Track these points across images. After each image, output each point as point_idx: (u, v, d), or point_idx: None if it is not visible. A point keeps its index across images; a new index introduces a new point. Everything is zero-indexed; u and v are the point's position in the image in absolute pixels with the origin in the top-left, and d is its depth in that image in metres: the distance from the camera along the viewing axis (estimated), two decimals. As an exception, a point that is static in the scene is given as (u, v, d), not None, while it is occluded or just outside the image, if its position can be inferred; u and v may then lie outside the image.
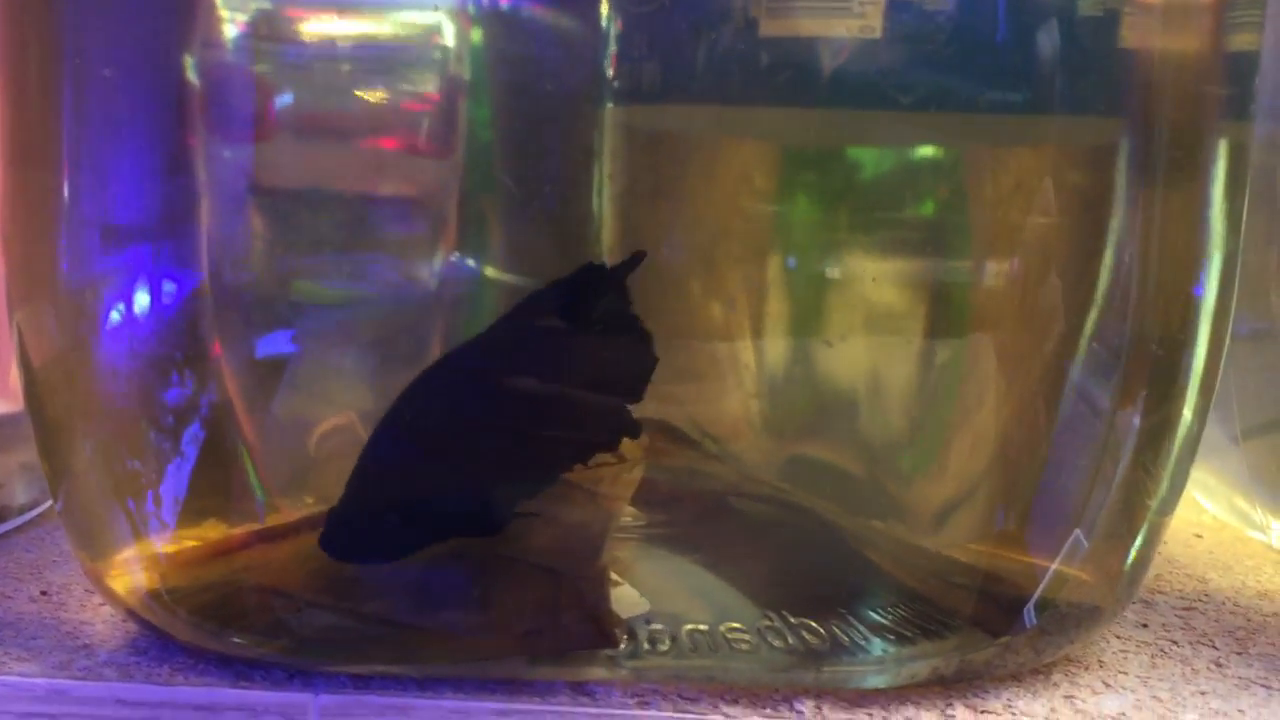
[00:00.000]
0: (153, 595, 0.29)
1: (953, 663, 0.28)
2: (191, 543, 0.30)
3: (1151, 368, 0.29)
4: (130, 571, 0.30)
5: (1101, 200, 0.29)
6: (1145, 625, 0.33)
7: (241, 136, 0.30)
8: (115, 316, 0.29)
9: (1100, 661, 0.30)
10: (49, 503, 0.39)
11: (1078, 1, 0.27)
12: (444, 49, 0.30)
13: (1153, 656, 0.31)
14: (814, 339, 0.31)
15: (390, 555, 0.28)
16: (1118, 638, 0.32)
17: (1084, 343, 0.28)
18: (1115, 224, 0.28)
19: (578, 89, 0.30)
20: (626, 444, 0.31)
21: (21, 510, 0.38)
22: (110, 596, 0.30)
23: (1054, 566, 0.29)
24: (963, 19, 0.27)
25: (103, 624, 0.30)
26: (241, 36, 0.29)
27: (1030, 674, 0.29)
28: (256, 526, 0.31)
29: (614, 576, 0.29)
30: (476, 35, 0.30)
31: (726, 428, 0.32)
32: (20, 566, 0.34)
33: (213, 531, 0.31)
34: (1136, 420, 0.29)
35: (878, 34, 0.27)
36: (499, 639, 0.28)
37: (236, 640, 0.28)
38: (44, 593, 0.32)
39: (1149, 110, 0.28)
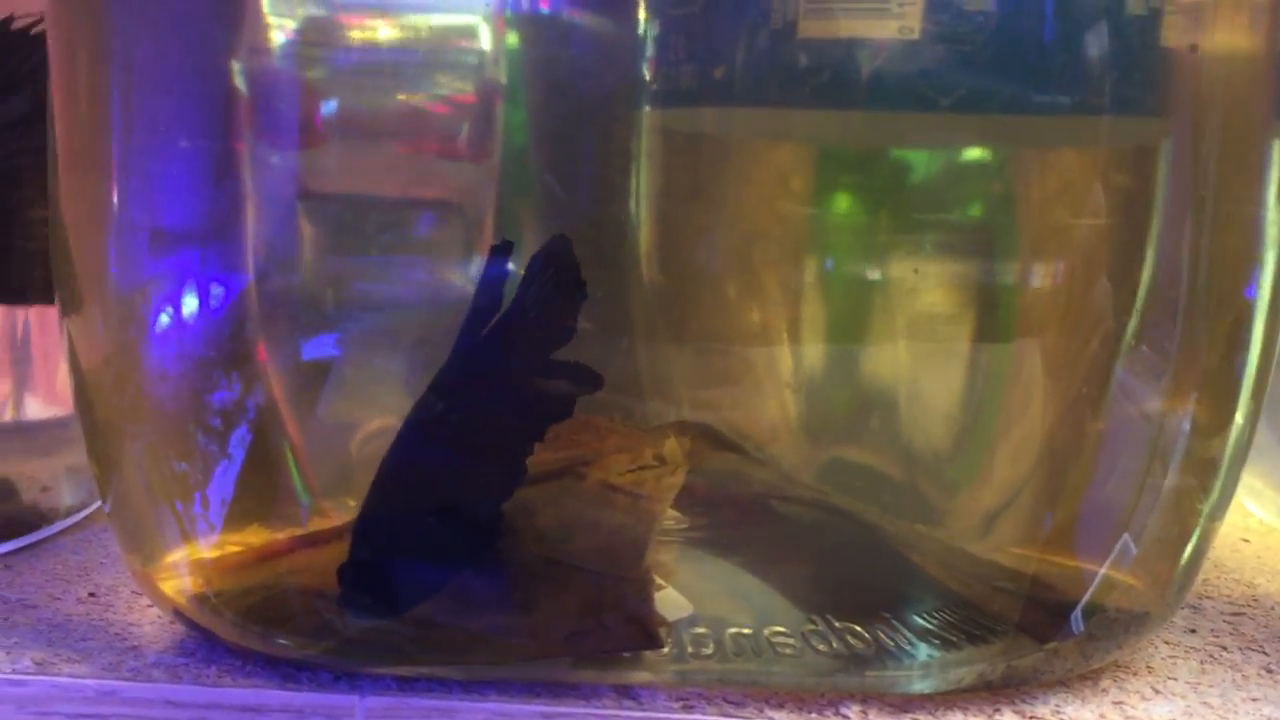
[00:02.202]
0: (199, 597, 0.30)
1: (999, 668, 0.28)
2: (236, 547, 0.31)
3: (1202, 371, 0.29)
4: (178, 574, 0.30)
5: (1150, 202, 0.28)
6: (1194, 631, 0.32)
7: (286, 142, 0.30)
8: (163, 320, 0.29)
9: (1149, 667, 0.30)
10: (96, 505, 0.40)
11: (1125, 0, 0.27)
12: (482, 53, 0.30)
13: (1202, 662, 0.30)
14: (854, 343, 0.31)
15: (415, 599, 0.28)
16: (1166, 643, 0.31)
17: (1133, 346, 0.28)
18: (1165, 226, 0.28)
19: (615, 92, 0.30)
20: (669, 448, 0.31)
21: (69, 512, 0.38)
22: (158, 598, 0.30)
23: (1102, 572, 0.28)
24: (1004, 18, 0.27)
25: (150, 625, 0.31)
26: (288, 43, 0.29)
27: (1079, 680, 0.29)
28: (301, 531, 0.31)
29: (657, 580, 0.29)
30: (514, 39, 0.30)
31: (767, 432, 0.32)
32: (68, 568, 0.35)
33: (256, 536, 0.31)
34: (1186, 424, 0.28)
35: (916, 35, 0.27)
36: (543, 641, 0.28)
37: (282, 642, 0.28)
38: (92, 594, 0.33)
39: (1200, 110, 0.28)
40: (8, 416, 0.40)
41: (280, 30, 0.29)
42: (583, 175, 0.31)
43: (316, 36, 0.30)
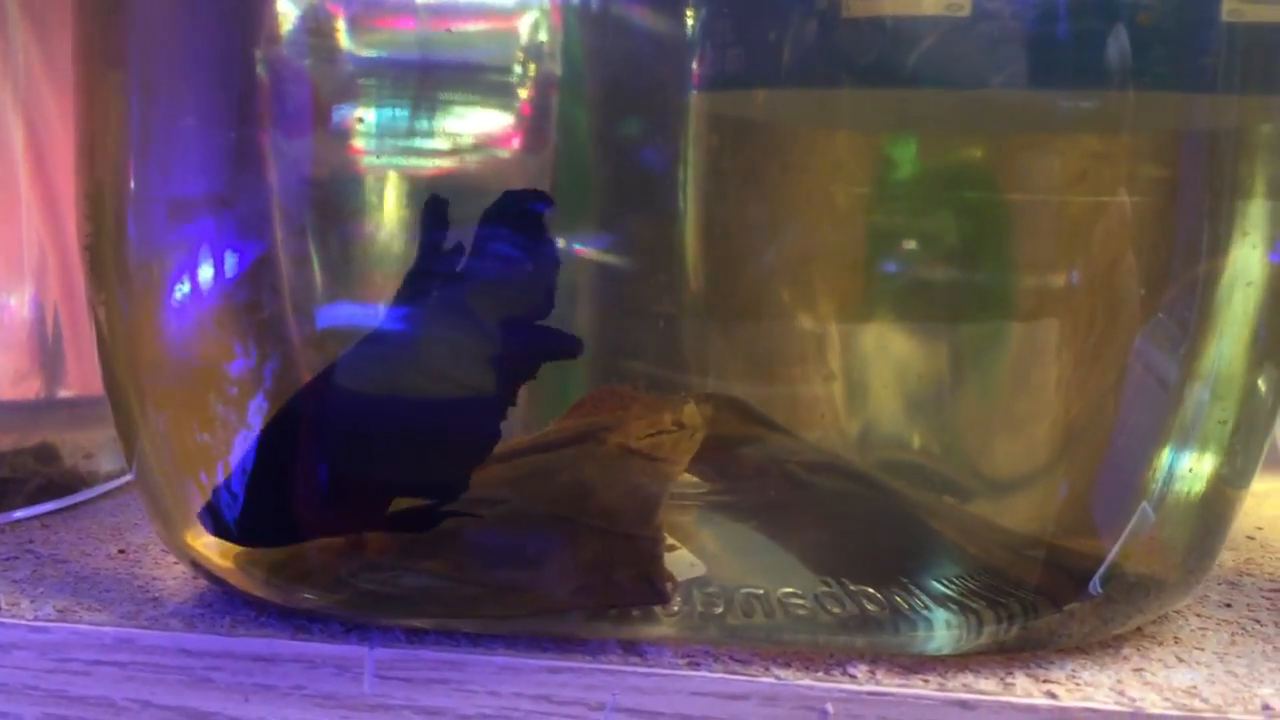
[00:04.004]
0: (227, 556, 0.30)
1: (1014, 630, 0.27)
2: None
3: (1222, 338, 0.28)
4: (204, 536, 0.30)
5: (1177, 175, 0.28)
6: (1229, 605, 0.32)
7: (305, 126, 0.30)
8: (180, 291, 0.30)
9: (1176, 638, 0.29)
10: (134, 472, 0.40)
11: None
12: (530, 42, 0.30)
13: (1233, 635, 0.29)
14: (890, 325, 0.30)
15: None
16: (1198, 616, 0.31)
17: (1153, 317, 0.28)
18: (1190, 198, 0.28)
19: (662, 77, 0.30)
20: (688, 413, 0.31)
21: (108, 477, 0.39)
22: (180, 556, 0.31)
23: (1122, 537, 0.28)
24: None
25: (173, 580, 0.31)
26: (320, 30, 0.30)
27: (1099, 647, 0.28)
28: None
29: (670, 540, 0.29)
30: (559, 26, 0.30)
31: (799, 409, 0.32)
32: (103, 528, 0.36)
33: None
34: (1206, 394, 0.28)
35: (966, 12, 0.27)
36: (552, 595, 0.28)
37: (305, 595, 0.29)
38: (121, 551, 0.33)
39: (1230, 81, 0.27)
40: (57, 390, 0.41)
41: (334, 20, 0.30)
42: (634, 161, 0.31)
43: (367, 24, 0.30)
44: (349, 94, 0.30)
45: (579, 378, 0.31)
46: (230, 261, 0.30)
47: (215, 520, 0.29)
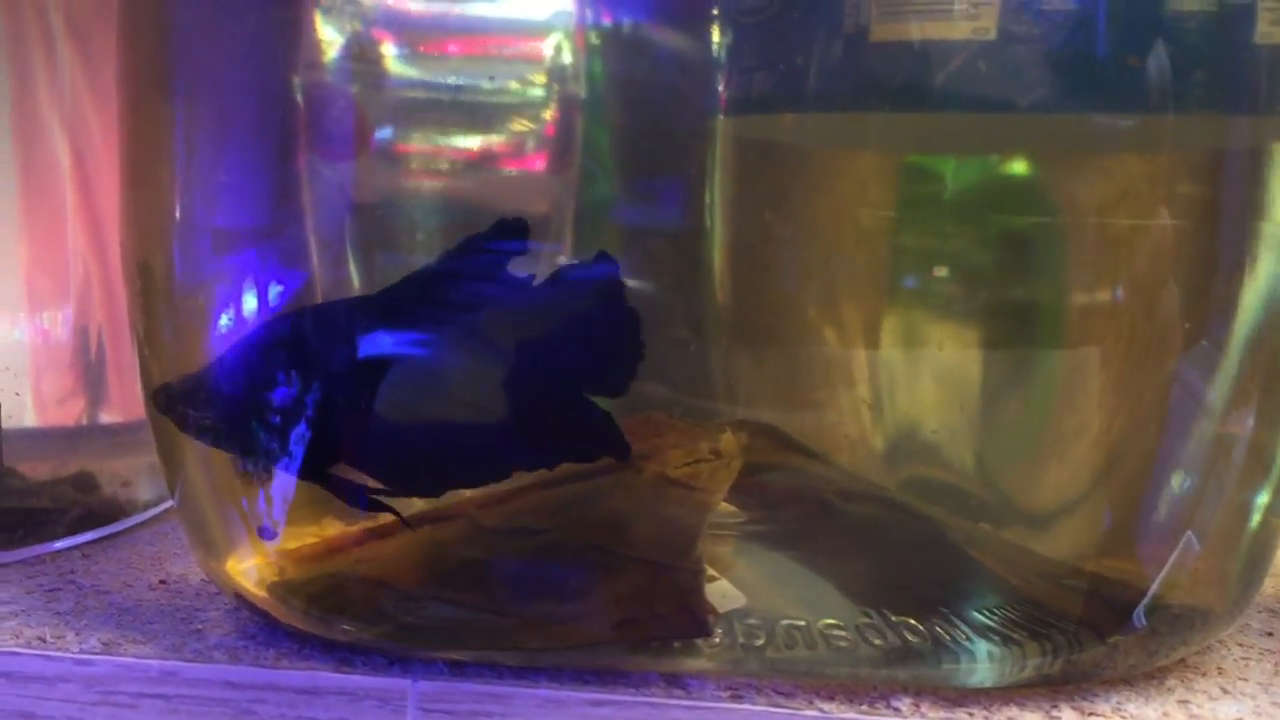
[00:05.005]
0: (264, 586, 0.30)
1: (1058, 663, 0.27)
2: (310, 539, 0.31)
3: (1264, 366, 0.28)
4: (243, 565, 0.31)
5: (1216, 199, 0.28)
6: (1270, 634, 0.31)
7: (346, 151, 0.30)
8: (223, 320, 0.30)
9: (1220, 668, 0.29)
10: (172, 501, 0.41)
11: None
12: (556, 66, 0.30)
13: (1276, 664, 0.29)
14: (922, 348, 0.30)
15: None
16: (1240, 645, 0.30)
17: (1195, 343, 0.28)
18: (1230, 224, 0.28)
19: (689, 101, 0.30)
20: (725, 442, 0.31)
21: (146, 506, 0.40)
22: (223, 587, 0.31)
23: (1166, 568, 0.28)
24: (1084, 17, 0.27)
25: (215, 611, 0.31)
26: (356, 56, 0.30)
27: (1144, 678, 0.28)
28: (370, 524, 0.31)
29: (710, 571, 0.29)
30: (588, 50, 0.30)
31: (832, 435, 0.32)
32: (142, 558, 0.36)
33: (331, 529, 0.31)
34: (1250, 420, 0.27)
35: (992, 35, 0.27)
36: (594, 628, 0.28)
37: (345, 627, 0.29)
38: (163, 582, 0.34)
39: (1264, 102, 0.27)
40: (99, 413, 0.41)
41: (376, 46, 0.30)
42: (660, 184, 0.31)
43: (407, 50, 0.30)
44: (388, 120, 0.30)
45: (610, 404, 0.32)
46: (274, 290, 0.30)
47: (167, 401, 0.29)
